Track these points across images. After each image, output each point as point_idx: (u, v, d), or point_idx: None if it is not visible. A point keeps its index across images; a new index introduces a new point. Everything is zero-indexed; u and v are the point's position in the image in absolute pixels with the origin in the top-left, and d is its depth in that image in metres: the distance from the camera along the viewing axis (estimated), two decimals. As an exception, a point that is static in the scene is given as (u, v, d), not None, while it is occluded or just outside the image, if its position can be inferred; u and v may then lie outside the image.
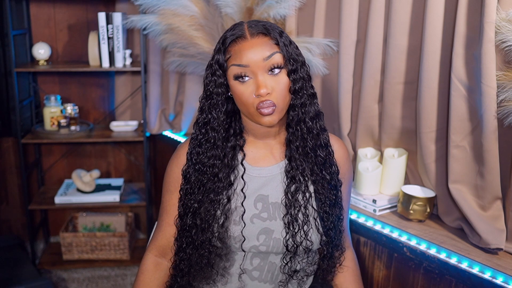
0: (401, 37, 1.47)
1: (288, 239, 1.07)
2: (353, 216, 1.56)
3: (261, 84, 0.99)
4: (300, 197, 1.08)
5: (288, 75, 1.03)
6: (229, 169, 1.09)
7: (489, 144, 1.26)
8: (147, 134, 2.54)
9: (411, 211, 1.46)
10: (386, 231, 1.46)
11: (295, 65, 1.03)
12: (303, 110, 1.06)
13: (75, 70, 2.35)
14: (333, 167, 1.12)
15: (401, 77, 1.52)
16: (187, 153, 1.12)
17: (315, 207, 1.11)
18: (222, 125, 1.07)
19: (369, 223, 1.51)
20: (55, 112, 2.46)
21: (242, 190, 1.10)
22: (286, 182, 1.10)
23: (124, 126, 2.57)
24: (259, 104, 1.00)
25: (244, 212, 1.09)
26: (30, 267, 2.28)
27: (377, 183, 1.61)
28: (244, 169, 1.11)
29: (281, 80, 1.01)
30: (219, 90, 1.04)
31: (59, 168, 2.79)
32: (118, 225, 2.74)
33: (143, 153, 2.62)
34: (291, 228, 1.07)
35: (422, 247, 1.36)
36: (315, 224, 1.10)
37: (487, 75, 1.21)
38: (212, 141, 1.07)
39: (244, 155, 1.12)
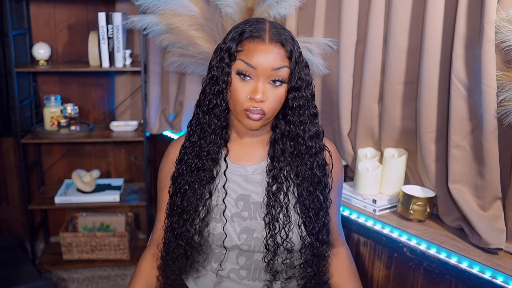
0: (401, 37, 1.47)
1: (269, 239, 1.06)
2: (353, 216, 1.56)
3: (259, 89, 0.99)
4: (281, 197, 1.07)
5: (289, 91, 1.03)
6: (213, 162, 1.09)
7: (489, 144, 1.26)
8: (147, 134, 2.54)
9: (411, 211, 1.46)
10: (386, 231, 1.46)
11: (299, 83, 1.03)
12: (302, 128, 1.06)
13: (75, 70, 2.35)
14: (327, 188, 1.12)
15: (401, 77, 1.52)
16: (188, 131, 1.12)
17: (298, 210, 1.09)
18: (224, 113, 1.06)
19: (369, 223, 1.51)
20: (55, 112, 2.46)
21: (224, 186, 1.10)
22: (268, 181, 1.09)
23: (124, 126, 2.57)
24: (249, 108, 1.00)
25: (225, 209, 1.09)
26: (30, 267, 2.27)
27: (377, 183, 1.61)
28: (227, 165, 1.11)
29: (278, 93, 1.02)
30: (225, 78, 1.02)
31: (59, 168, 2.79)
32: (118, 225, 2.74)
33: (143, 153, 2.62)
34: (272, 228, 1.06)
35: (422, 247, 1.36)
36: (297, 226, 1.09)
37: (487, 75, 1.21)
38: (212, 127, 1.07)
39: (228, 151, 1.12)
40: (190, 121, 1.12)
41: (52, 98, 2.47)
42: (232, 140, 1.13)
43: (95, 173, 2.59)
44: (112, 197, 2.53)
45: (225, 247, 1.09)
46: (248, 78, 1.00)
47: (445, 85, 1.40)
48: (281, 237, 1.06)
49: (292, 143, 1.08)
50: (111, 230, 2.72)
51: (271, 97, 1.01)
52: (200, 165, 1.09)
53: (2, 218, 2.71)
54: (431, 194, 1.48)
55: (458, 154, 1.36)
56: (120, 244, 2.59)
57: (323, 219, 1.11)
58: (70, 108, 2.48)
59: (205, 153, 1.08)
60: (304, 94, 1.04)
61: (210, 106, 1.05)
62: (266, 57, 0.98)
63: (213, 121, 1.06)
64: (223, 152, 1.11)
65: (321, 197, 1.09)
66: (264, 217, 1.07)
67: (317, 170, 1.08)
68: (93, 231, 2.68)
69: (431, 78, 1.39)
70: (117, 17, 2.31)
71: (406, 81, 1.52)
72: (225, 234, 1.07)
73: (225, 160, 1.11)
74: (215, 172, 1.10)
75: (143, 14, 2.04)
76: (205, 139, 1.08)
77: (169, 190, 1.14)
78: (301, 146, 1.07)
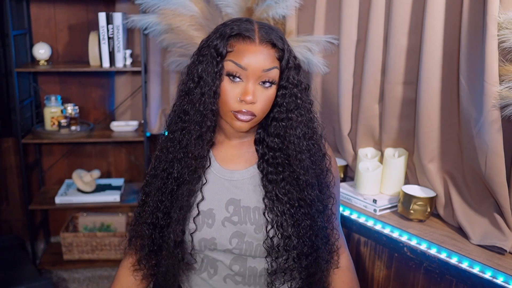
0: (401, 37, 1.47)
1: (259, 244, 1.04)
2: (354, 216, 1.56)
3: (249, 91, 0.96)
4: (272, 203, 1.04)
5: (278, 89, 1.01)
6: (201, 167, 1.05)
7: (492, 144, 1.26)
8: (148, 134, 2.54)
9: (412, 211, 1.46)
10: (387, 231, 1.46)
11: (288, 83, 1.01)
12: (291, 124, 1.02)
13: (76, 70, 2.36)
14: (327, 210, 1.07)
15: (401, 77, 1.52)
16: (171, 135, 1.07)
17: (293, 211, 1.04)
18: (215, 115, 1.02)
19: (370, 223, 1.51)
20: (55, 112, 2.46)
21: (213, 191, 1.07)
22: (259, 186, 1.06)
23: (124, 126, 2.57)
24: (240, 111, 0.98)
25: (216, 214, 1.06)
26: (30, 267, 2.28)
27: (377, 183, 1.61)
28: (216, 169, 1.08)
29: (268, 94, 0.99)
30: (215, 79, 0.98)
31: (60, 168, 2.79)
32: (119, 225, 2.74)
33: (143, 153, 2.62)
34: (262, 232, 1.04)
35: (423, 247, 1.36)
36: (289, 233, 1.03)
37: (489, 73, 1.21)
38: (199, 131, 1.03)
39: (214, 155, 1.09)
40: (170, 124, 1.06)
41: (53, 98, 2.47)
42: (219, 142, 1.10)
43: (96, 173, 2.59)
44: (113, 197, 2.53)
45: (217, 252, 1.07)
46: (237, 79, 0.98)
47: (445, 85, 1.40)
48: (278, 238, 1.03)
49: (278, 140, 1.03)
50: (111, 230, 2.72)
51: (261, 98, 0.98)
52: (187, 169, 1.04)
53: (3, 218, 2.71)
54: (431, 194, 1.48)
55: (458, 154, 1.36)
56: (121, 244, 2.59)
57: (320, 216, 1.06)
58: (70, 108, 2.48)
59: (192, 157, 1.04)
60: (294, 93, 1.01)
61: (201, 108, 1.01)
62: (257, 58, 0.96)
63: (202, 124, 1.02)
64: (210, 155, 1.08)
65: (316, 196, 1.05)
66: (254, 221, 1.04)
67: (311, 169, 1.04)
68: (93, 231, 2.68)
69: (431, 78, 1.39)
70: (118, 17, 2.31)
71: (406, 81, 1.52)
72: (217, 238, 1.05)
73: (214, 164, 1.08)
74: (203, 177, 1.06)
75: (144, 14, 2.05)
76: (191, 142, 1.03)
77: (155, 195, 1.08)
78: (290, 144, 1.02)
